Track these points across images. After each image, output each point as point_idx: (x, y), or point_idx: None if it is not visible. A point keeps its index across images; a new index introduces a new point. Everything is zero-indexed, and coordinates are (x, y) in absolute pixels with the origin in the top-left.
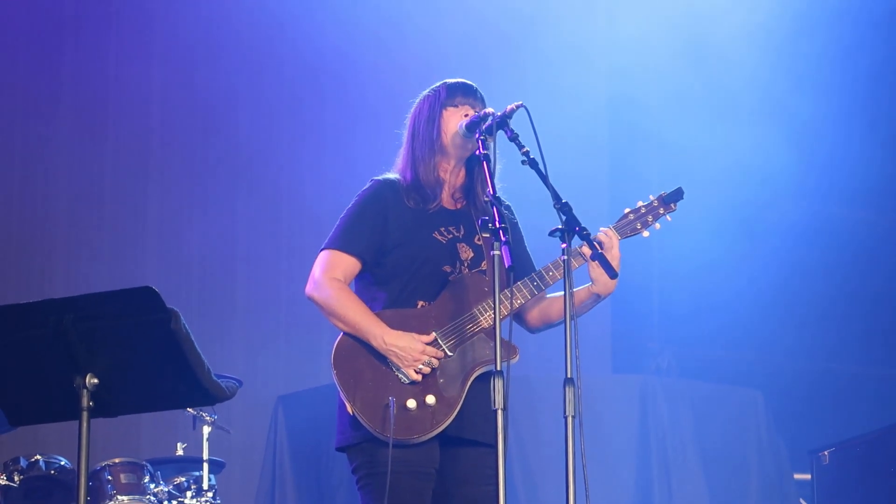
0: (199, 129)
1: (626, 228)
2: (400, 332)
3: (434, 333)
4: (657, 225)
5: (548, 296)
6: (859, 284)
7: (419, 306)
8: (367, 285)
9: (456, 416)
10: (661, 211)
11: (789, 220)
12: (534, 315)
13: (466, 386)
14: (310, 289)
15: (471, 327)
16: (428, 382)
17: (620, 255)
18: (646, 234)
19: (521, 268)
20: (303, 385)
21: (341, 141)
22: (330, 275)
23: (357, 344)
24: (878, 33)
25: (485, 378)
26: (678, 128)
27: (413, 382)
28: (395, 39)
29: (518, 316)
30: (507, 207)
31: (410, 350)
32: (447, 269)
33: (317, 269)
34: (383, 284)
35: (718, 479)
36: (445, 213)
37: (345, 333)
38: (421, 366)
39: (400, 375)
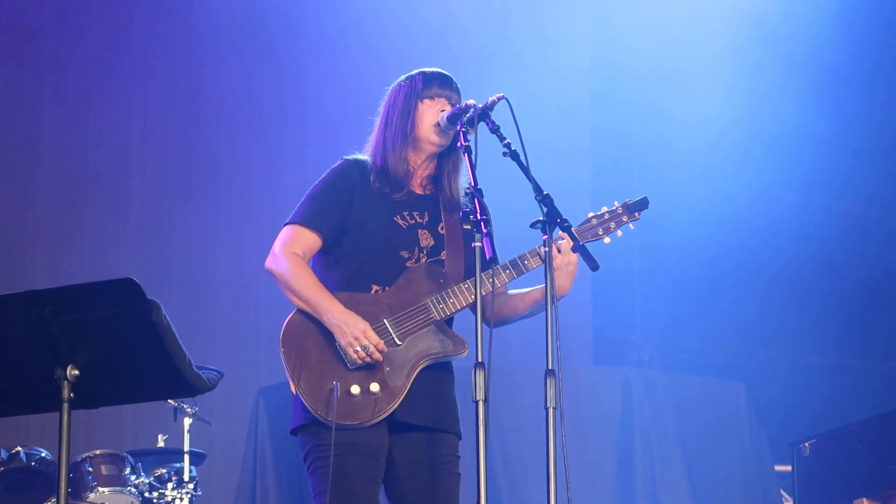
0: (181, 122)
1: (588, 234)
2: (351, 312)
3: (385, 321)
4: (619, 232)
5: (509, 292)
6: (840, 277)
7: (373, 290)
8: (325, 263)
9: (404, 402)
10: (625, 219)
11: (771, 213)
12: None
13: (412, 377)
14: (269, 262)
15: (421, 318)
16: (374, 370)
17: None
18: (607, 240)
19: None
20: (284, 377)
21: (322, 134)
22: (289, 249)
23: (307, 323)
24: (873, 25)
25: (434, 367)
26: (661, 121)
27: (358, 368)
28: (374, 34)
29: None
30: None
31: (353, 327)
32: (404, 254)
33: (277, 244)
34: (339, 264)
35: (700, 470)
36: (412, 197)
37: (295, 312)
38: (359, 348)
39: (347, 360)
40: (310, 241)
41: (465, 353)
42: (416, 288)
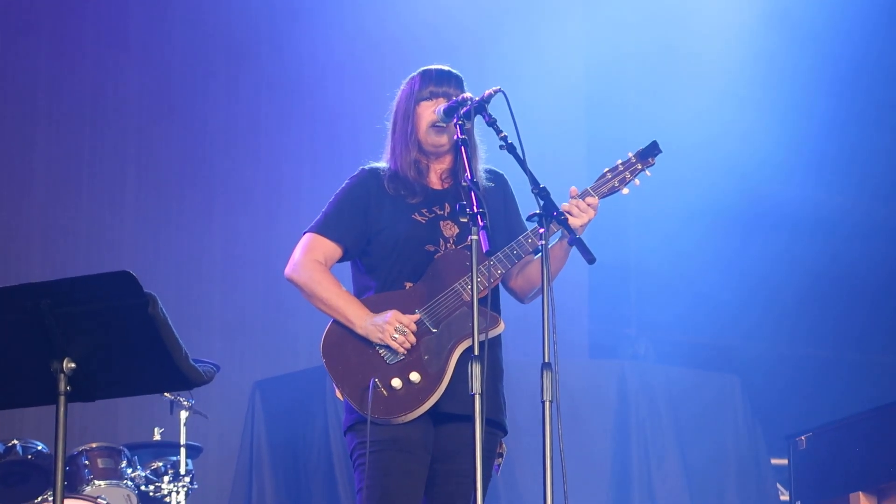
0: (177, 115)
1: (605, 188)
2: (371, 313)
3: (418, 312)
4: (637, 181)
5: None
6: (836, 270)
7: (407, 288)
8: (360, 274)
9: (447, 392)
10: (640, 166)
11: (766, 206)
12: (518, 283)
13: (450, 360)
14: (289, 270)
15: (453, 302)
16: (412, 360)
17: (596, 213)
18: (625, 191)
19: (516, 235)
20: (280, 370)
21: (318, 130)
22: (310, 256)
23: (343, 330)
24: (872, 16)
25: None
26: (656, 115)
27: (397, 361)
28: (370, 32)
29: (507, 287)
30: (500, 176)
31: (380, 322)
32: (430, 248)
33: (297, 252)
34: (373, 272)
35: (696, 464)
36: (430, 193)
37: (332, 322)
38: (395, 334)
39: (384, 355)
40: (329, 249)
41: (502, 329)
42: (445, 275)
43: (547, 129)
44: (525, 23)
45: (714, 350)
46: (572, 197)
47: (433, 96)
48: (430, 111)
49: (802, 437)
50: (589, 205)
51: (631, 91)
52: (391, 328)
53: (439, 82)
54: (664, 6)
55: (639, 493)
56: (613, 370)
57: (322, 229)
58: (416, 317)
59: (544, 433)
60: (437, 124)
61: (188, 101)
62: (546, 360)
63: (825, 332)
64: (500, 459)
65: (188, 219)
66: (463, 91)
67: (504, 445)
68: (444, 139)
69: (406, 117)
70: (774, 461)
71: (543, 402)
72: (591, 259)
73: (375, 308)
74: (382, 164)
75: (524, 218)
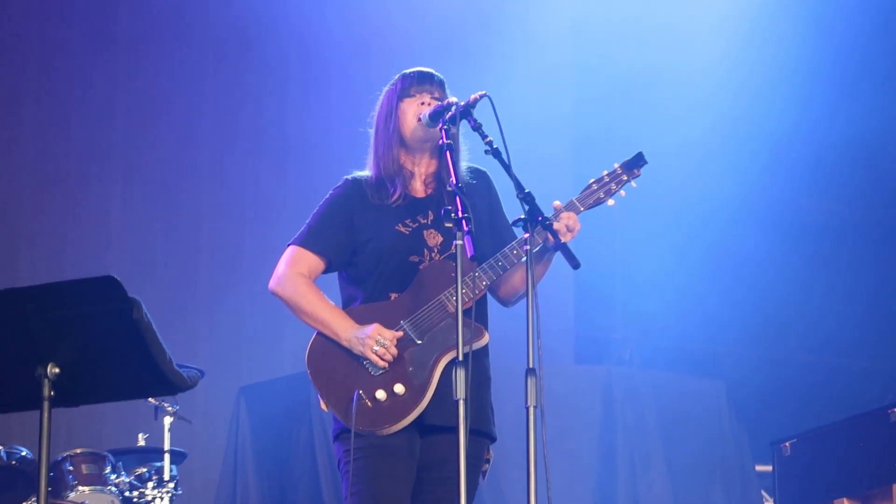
0: (165, 119)
1: (590, 199)
2: (357, 325)
3: (402, 323)
4: (622, 192)
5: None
6: (821, 276)
7: (392, 299)
8: (346, 285)
9: (432, 403)
10: (625, 178)
11: (753, 212)
12: (503, 290)
13: (435, 372)
14: (273, 284)
15: (438, 314)
16: (397, 372)
17: (581, 226)
18: (611, 202)
19: (503, 238)
20: (265, 376)
21: (306, 135)
22: (294, 270)
23: (329, 342)
24: (859, 21)
25: (469, 368)
26: (643, 120)
27: (382, 373)
28: (356, 27)
29: (491, 292)
30: (484, 174)
31: (363, 334)
32: (414, 258)
33: (281, 265)
34: (359, 283)
35: (680, 470)
36: (413, 202)
37: (317, 334)
38: (376, 347)
39: (369, 367)
40: (312, 262)
41: (486, 341)
42: (430, 286)
43: (534, 132)
44: (512, 24)
45: (699, 355)
46: (556, 210)
47: (416, 93)
48: (414, 108)
49: (787, 444)
50: (569, 228)
51: (619, 93)
52: (372, 342)
53: (421, 81)
54: (653, 8)
55: (624, 499)
56: (599, 375)
57: (305, 242)
58: (400, 334)
59: (528, 438)
60: (422, 122)
61: (177, 105)
62: (531, 366)
63: (810, 338)
64: (487, 466)
65: (174, 224)
66: (444, 90)
67: (491, 452)
68: (432, 133)
69: (389, 115)
70: (759, 467)
71: (528, 408)
72: (575, 264)
73: (360, 319)
74: (366, 172)
75: (509, 223)
